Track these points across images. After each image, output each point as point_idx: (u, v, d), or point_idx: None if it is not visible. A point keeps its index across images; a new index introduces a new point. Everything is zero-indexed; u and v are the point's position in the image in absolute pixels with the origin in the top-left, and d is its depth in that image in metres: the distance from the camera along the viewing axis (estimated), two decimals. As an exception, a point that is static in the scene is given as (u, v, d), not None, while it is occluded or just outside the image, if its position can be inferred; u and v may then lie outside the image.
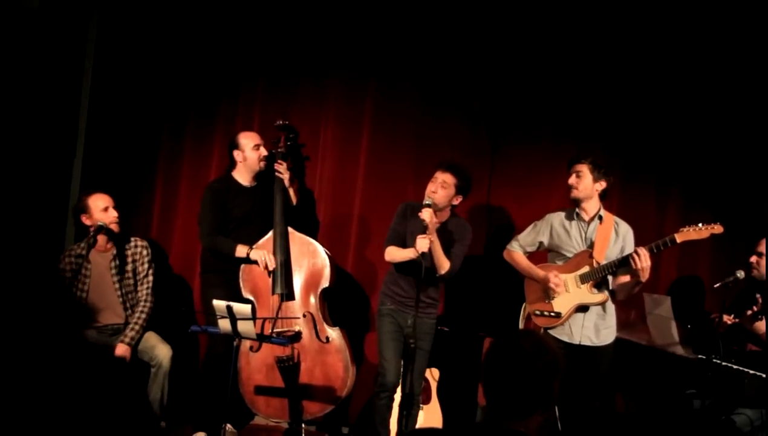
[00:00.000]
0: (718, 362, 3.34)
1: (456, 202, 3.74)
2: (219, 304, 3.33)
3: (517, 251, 3.82)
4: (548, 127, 4.38)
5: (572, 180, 3.67)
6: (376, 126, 4.50)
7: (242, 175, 4.12)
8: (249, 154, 4.08)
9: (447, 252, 3.68)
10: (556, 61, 4.33)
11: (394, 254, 3.74)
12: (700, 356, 3.46)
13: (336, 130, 4.52)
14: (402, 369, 3.70)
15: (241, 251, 3.96)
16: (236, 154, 4.09)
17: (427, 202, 3.61)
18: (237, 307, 3.32)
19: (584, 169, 3.64)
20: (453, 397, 4.20)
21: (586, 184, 3.64)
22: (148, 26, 4.65)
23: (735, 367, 3.38)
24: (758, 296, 3.50)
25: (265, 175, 4.17)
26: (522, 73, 4.36)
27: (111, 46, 4.64)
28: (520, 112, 4.39)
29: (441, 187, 3.67)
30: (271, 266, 3.92)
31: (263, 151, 4.11)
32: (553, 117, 4.37)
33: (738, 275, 3.47)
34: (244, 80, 4.61)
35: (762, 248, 3.70)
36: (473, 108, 4.42)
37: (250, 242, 4.01)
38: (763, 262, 3.66)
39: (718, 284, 3.55)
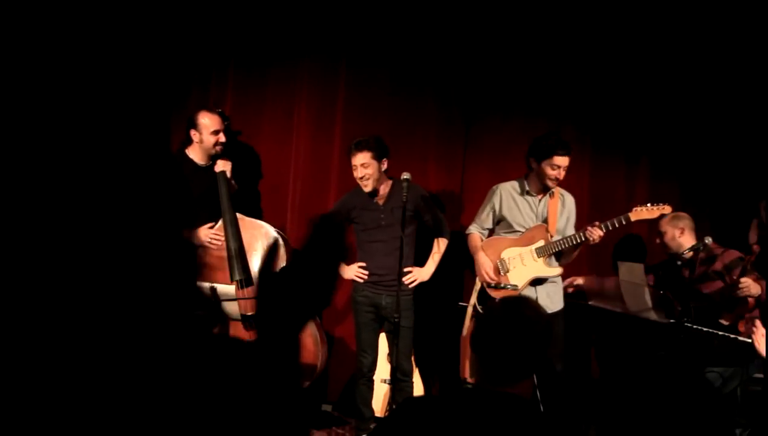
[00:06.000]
0: (690, 325, 3.49)
1: (384, 166, 3.80)
2: (203, 285, 3.32)
3: (473, 233, 3.89)
4: (520, 104, 4.46)
5: (561, 174, 3.68)
6: (349, 106, 4.50)
7: (196, 155, 4.02)
8: (206, 137, 3.99)
9: (411, 219, 3.79)
10: (527, 40, 4.40)
11: None
12: (671, 320, 3.60)
13: (310, 111, 4.51)
14: (388, 346, 3.79)
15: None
16: (193, 133, 4.00)
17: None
18: (221, 288, 3.32)
19: (568, 160, 3.69)
20: (433, 369, 4.28)
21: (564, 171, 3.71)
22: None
23: (705, 329, 3.52)
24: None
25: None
26: (494, 51, 4.42)
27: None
28: (492, 90, 4.46)
29: (363, 169, 3.74)
30: (218, 240, 3.82)
31: (221, 138, 3.99)
32: (524, 94, 4.45)
33: (706, 241, 3.63)
34: (214, 66, 4.54)
35: None
36: (446, 87, 4.48)
37: (201, 224, 3.92)
38: None
39: (687, 251, 3.71)
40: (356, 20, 4.45)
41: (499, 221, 3.84)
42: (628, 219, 3.63)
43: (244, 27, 4.50)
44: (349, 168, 4.48)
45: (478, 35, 4.42)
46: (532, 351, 1.76)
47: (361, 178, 3.75)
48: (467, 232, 3.94)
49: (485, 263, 3.75)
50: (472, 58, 4.43)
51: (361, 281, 3.84)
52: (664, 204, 3.67)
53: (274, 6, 4.48)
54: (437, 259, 3.90)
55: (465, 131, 4.50)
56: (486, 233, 3.90)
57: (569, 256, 3.82)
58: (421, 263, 3.96)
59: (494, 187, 3.88)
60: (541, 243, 3.70)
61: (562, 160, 3.65)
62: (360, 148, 3.74)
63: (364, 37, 4.46)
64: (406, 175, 3.68)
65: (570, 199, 3.85)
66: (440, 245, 3.92)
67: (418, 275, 3.85)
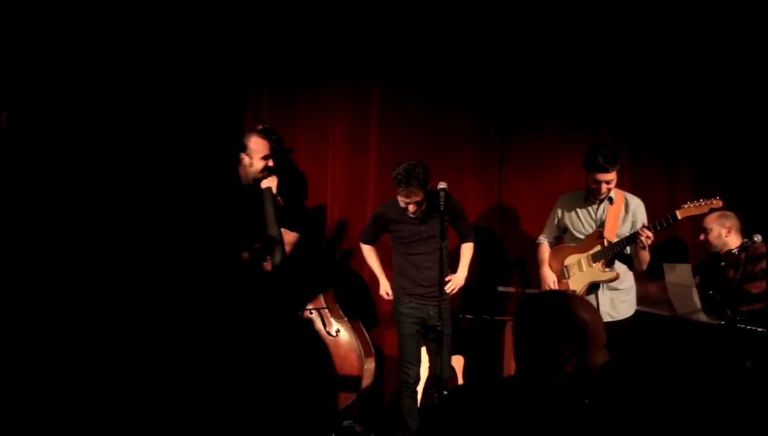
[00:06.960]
0: (743, 326, 3.38)
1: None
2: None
3: (542, 243, 3.97)
4: (554, 112, 4.44)
5: (603, 187, 3.61)
6: (383, 121, 4.52)
7: (242, 175, 4.08)
8: (256, 162, 4.03)
9: (446, 229, 3.78)
10: (559, 47, 4.40)
11: None
12: (722, 322, 3.48)
13: (344, 128, 4.54)
14: (431, 356, 3.77)
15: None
16: (242, 155, 4.05)
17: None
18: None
19: (610, 175, 3.61)
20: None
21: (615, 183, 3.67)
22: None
23: (760, 329, 3.40)
24: None
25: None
26: (525, 61, 4.43)
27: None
28: (525, 99, 4.45)
29: (416, 206, 3.71)
30: None
31: (270, 163, 3.99)
32: (558, 102, 4.44)
33: (756, 238, 3.53)
34: (250, 87, 4.62)
35: None
36: (479, 98, 4.49)
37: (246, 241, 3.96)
38: None
39: (737, 249, 3.60)
40: (386, 36, 4.49)
41: (565, 230, 3.87)
42: (675, 217, 3.54)
43: (277, 49, 4.59)
44: (384, 183, 4.51)
45: (510, 45, 4.43)
46: (551, 343, 1.72)
47: (413, 212, 3.75)
48: (538, 241, 4.00)
49: (548, 278, 3.84)
50: (504, 68, 4.44)
51: (389, 298, 3.94)
52: (713, 199, 3.57)
53: (305, 26, 4.55)
54: (468, 262, 3.95)
55: (500, 142, 4.50)
56: (554, 242, 3.95)
57: (639, 261, 3.68)
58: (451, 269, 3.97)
59: (559, 196, 3.92)
60: (597, 248, 3.67)
61: (603, 176, 3.59)
62: (410, 189, 3.65)
63: (395, 53, 4.49)
64: (443, 185, 3.68)
65: (635, 203, 3.74)
66: (469, 249, 3.97)
67: (456, 281, 3.89)
